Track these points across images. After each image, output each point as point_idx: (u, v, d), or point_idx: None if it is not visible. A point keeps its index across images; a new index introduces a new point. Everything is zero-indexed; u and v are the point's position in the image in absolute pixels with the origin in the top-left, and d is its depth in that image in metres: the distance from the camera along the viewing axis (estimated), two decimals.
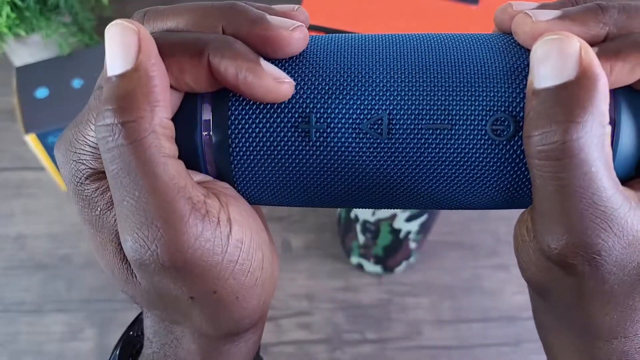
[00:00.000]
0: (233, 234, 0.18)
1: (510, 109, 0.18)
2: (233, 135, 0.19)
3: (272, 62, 0.19)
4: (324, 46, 0.20)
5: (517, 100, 0.18)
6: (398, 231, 0.47)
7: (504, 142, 0.18)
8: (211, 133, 0.19)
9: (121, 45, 0.17)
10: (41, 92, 0.52)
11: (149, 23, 0.19)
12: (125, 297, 0.22)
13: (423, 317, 0.53)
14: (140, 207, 0.17)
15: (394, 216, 0.45)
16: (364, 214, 0.46)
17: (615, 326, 0.19)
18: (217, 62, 0.18)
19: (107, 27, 0.17)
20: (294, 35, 0.18)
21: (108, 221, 0.19)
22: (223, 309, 0.19)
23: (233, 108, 0.19)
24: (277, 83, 0.18)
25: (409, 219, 0.45)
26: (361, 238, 0.49)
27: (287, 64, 0.19)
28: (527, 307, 0.53)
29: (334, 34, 0.21)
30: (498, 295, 0.54)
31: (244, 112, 0.19)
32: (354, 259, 0.54)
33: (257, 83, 0.18)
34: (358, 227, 0.48)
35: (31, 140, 0.50)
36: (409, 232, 0.47)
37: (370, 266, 0.53)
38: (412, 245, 0.50)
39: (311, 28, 0.53)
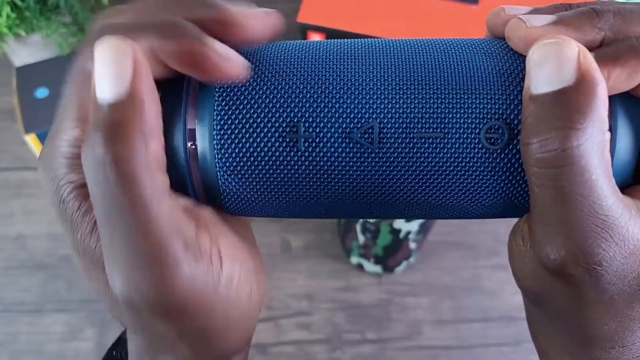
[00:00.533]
0: (224, 270, 0.18)
1: (504, 117, 0.18)
2: (219, 146, 0.18)
3: (260, 70, 0.18)
4: (312, 53, 0.19)
5: (512, 107, 0.18)
6: (398, 231, 0.47)
7: (498, 151, 0.18)
8: (196, 143, 0.19)
9: (114, 68, 0.16)
10: (41, 92, 0.52)
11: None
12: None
13: (423, 317, 0.53)
14: (132, 250, 0.16)
15: None
16: None
17: (613, 335, 0.19)
18: (161, 45, 0.17)
19: (98, 42, 0.16)
20: (250, 19, 0.18)
21: (90, 246, 0.18)
22: (211, 342, 0.19)
23: (219, 118, 0.18)
24: (225, 61, 0.17)
25: (409, 219, 0.45)
26: (361, 238, 0.49)
27: (274, 71, 0.19)
28: None
29: (322, 41, 0.20)
30: (498, 295, 0.54)
31: (229, 122, 0.18)
32: (354, 259, 0.54)
33: (203, 62, 0.17)
34: (358, 227, 0.48)
35: (31, 140, 0.50)
36: (409, 232, 0.47)
37: (370, 266, 0.53)
38: (412, 245, 0.50)
39: (311, 28, 0.53)
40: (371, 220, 0.46)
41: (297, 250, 0.56)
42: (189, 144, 0.19)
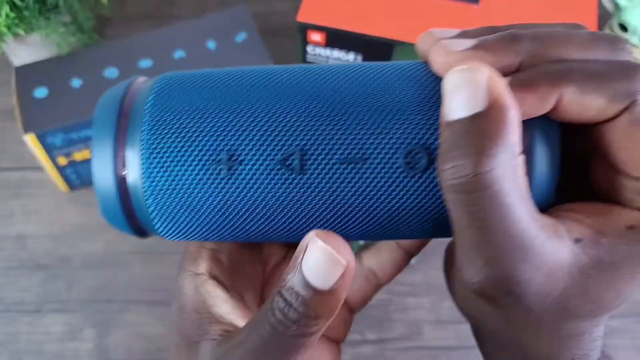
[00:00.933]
0: None
1: (423, 141, 0.18)
2: (147, 172, 0.19)
3: (188, 98, 0.19)
4: (236, 81, 0.20)
5: (431, 132, 0.18)
6: None
7: (419, 175, 0.18)
8: (126, 171, 0.19)
9: (327, 269, 0.18)
10: (40, 92, 0.52)
11: None
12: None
13: (423, 317, 0.53)
14: None
15: None
16: None
17: (549, 355, 0.18)
18: None
19: (315, 238, 0.18)
20: None
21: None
22: None
23: (147, 146, 0.19)
24: None
25: None
26: None
27: (200, 99, 0.19)
28: None
29: (250, 68, 0.21)
30: None
31: (157, 150, 0.19)
32: None
33: None
34: None
35: (30, 140, 0.50)
36: None
37: None
38: None
39: (311, 27, 0.53)
40: None
41: None
42: (121, 172, 0.20)
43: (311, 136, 0.18)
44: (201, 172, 0.19)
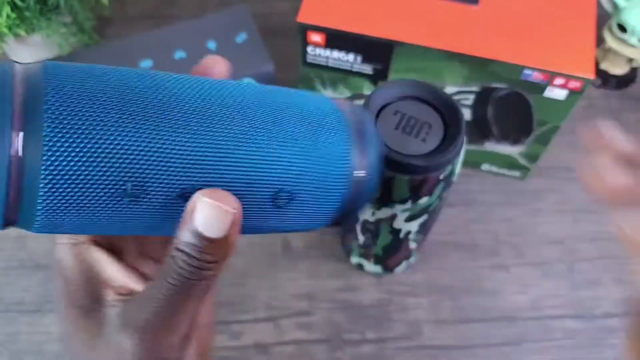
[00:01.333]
0: None
1: (284, 185, 0.22)
2: (46, 179, 0.18)
3: (98, 119, 0.19)
4: (142, 111, 0.19)
5: (291, 178, 0.22)
6: (398, 231, 0.47)
7: (284, 209, 0.23)
8: (21, 155, 0.18)
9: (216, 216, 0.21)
10: None
11: None
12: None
13: (423, 317, 0.53)
14: None
15: (394, 216, 0.45)
16: (364, 214, 0.46)
17: None
18: None
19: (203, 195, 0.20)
20: None
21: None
22: None
23: (46, 170, 0.18)
24: None
25: (409, 219, 0.45)
26: (361, 238, 0.49)
27: (111, 128, 0.19)
28: (527, 307, 0.53)
29: (155, 80, 0.21)
30: (498, 295, 0.54)
31: (61, 159, 0.18)
32: (354, 259, 0.54)
33: None
34: (358, 227, 0.48)
35: None
36: (409, 232, 0.47)
37: (370, 266, 0.53)
38: (412, 245, 0.50)
39: (311, 28, 0.53)
40: (371, 220, 0.46)
41: (297, 250, 0.56)
42: (11, 151, 0.17)
43: (208, 172, 0.21)
44: (102, 197, 0.19)
